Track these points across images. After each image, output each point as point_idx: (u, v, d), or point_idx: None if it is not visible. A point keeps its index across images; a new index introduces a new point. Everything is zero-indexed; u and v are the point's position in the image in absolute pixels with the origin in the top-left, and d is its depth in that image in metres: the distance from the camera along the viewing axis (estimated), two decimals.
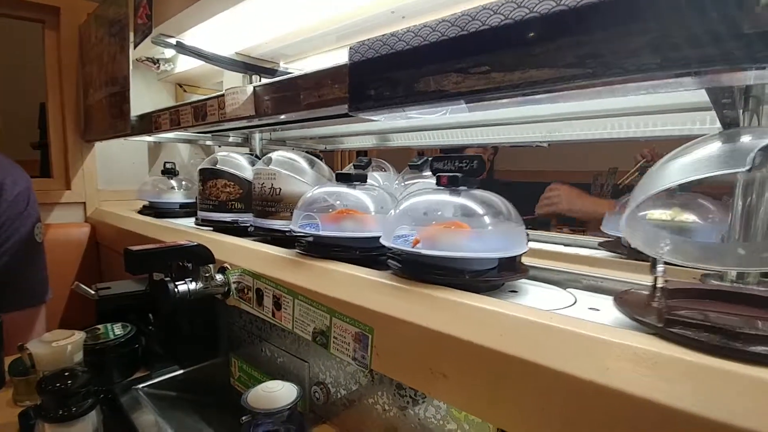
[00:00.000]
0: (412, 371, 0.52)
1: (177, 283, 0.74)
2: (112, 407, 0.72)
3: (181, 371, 0.83)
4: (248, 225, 0.94)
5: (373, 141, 1.56)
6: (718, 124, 0.91)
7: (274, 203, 0.85)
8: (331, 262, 0.67)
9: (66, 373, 0.56)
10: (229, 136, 1.41)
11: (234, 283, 0.80)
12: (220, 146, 1.77)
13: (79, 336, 0.62)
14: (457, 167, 0.60)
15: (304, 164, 0.88)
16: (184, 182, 1.44)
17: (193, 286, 0.76)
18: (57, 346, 0.59)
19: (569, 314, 0.44)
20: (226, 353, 0.88)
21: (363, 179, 0.75)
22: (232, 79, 1.45)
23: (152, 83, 1.74)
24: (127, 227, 1.26)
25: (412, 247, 0.54)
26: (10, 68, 1.46)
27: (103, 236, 1.48)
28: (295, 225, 0.72)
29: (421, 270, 0.55)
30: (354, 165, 1.02)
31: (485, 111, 1.06)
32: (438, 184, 0.59)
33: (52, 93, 1.53)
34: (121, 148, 1.66)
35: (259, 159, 0.97)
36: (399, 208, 0.61)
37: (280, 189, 0.84)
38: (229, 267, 0.81)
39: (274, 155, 0.88)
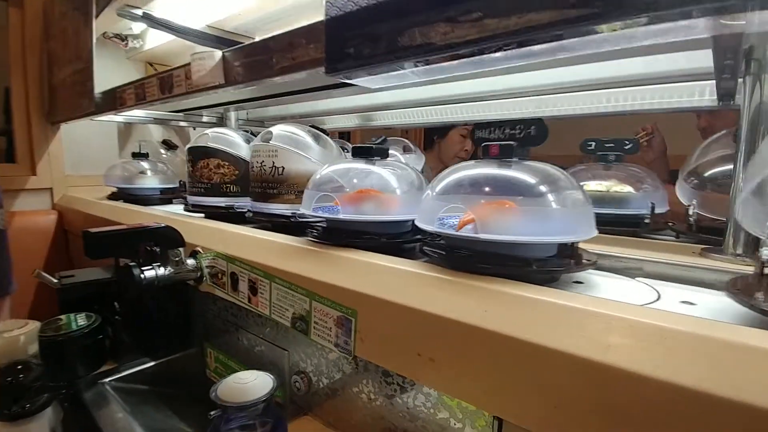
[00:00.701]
0: (399, 356, 0.48)
1: (144, 268, 0.68)
2: (75, 404, 0.66)
3: (151, 363, 0.77)
4: (245, 210, 0.84)
5: (355, 121, 1.50)
6: (714, 96, 0.89)
7: (276, 184, 0.74)
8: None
9: (19, 367, 0.50)
10: (202, 116, 1.34)
11: (207, 267, 0.74)
12: (194, 128, 1.69)
13: (33, 326, 0.56)
14: (508, 135, 0.53)
15: (308, 139, 0.77)
16: (159, 165, 1.33)
17: (161, 271, 0.70)
18: (9, 336, 0.53)
19: (668, 310, 0.36)
20: (200, 343, 0.82)
21: (384, 154, 0.64)
22: None
23: (121, 62, 1.64)
24: (99, 214, 1.18)
25: (457, 231, 0.45)
26: None
27: (71, 223, 1.40)
28: (307, 208, 0.61)
29: (471, 259, 0.45)
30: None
31: (474, 80, 1.01)
32: (486, 155, 0.49)
33: (15, 73, 1.43)
34: (88, 131, 1.56)
35: (255, 136, 0.88)
36: (440, 187, 0.50)
37: (283, 168, 0.73)
38: (200, 250, 0.75)
39: (275, 129, 0.76)
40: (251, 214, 0.80)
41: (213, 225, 0.80)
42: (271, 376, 0.46)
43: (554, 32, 0.37)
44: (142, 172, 1.28)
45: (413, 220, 0.54)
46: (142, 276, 0.67)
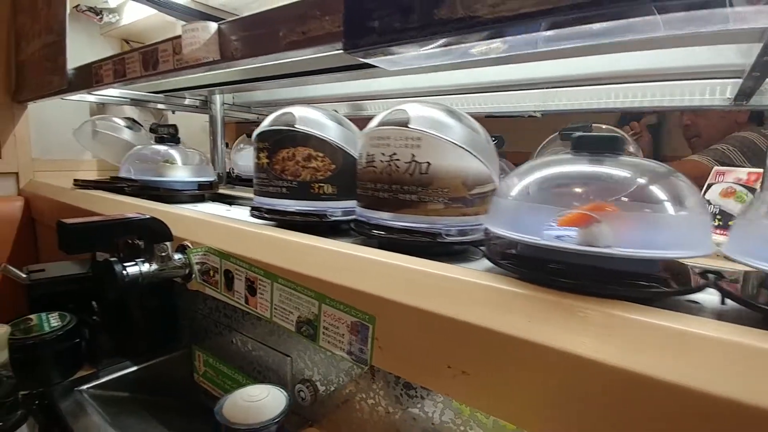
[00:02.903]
0: (425, 368, 0.43)
1: (126, 264, 0.61)
2: (48, 415, 0.59)
3: (133, 368, 0.70)
4: (345, 219, 0.64)
5: (345, 110, 1.43)
6: (727, 95, 0.86)
7: (415, 188, 0.51)
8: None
9: None
10: (185, 98, 1.25)
11: (197, 263, 0.67)
12: (174, 112, 1.59)
13: (2, 330, 0.49)
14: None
15: (452, 122, 0.52)
16: (190, 151, 1.06)
17: (145, 267, 0.63)
18: None
19: None
20: (187, 345, 0.76)
21: (618, 147, 0.41)
22: None
23: (95, 38, 1.53)
24: (72, 202, 1.09)
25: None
26: None
27: (39, 212, 1.29)
28: (537, 234, 0.38)
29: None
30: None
31: (470, 70, 0.96)
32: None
33: None
34: (58, 111, 1.45)
35: (335, 117, 0.66)
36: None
37: (428, 164, 0.50)
38: (189, 245, 0.68)
39: (410, 108, 0.52)
40: (366, 227, 0.57)
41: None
42: (283, 392, 0.41)
43: (626, 7, 0.32)
44: (169, 161, 0.99)
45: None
46: (124, 273, 0.60)
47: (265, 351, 0.63)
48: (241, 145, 1.35)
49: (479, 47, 0.43)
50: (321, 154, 0.62)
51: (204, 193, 1.02)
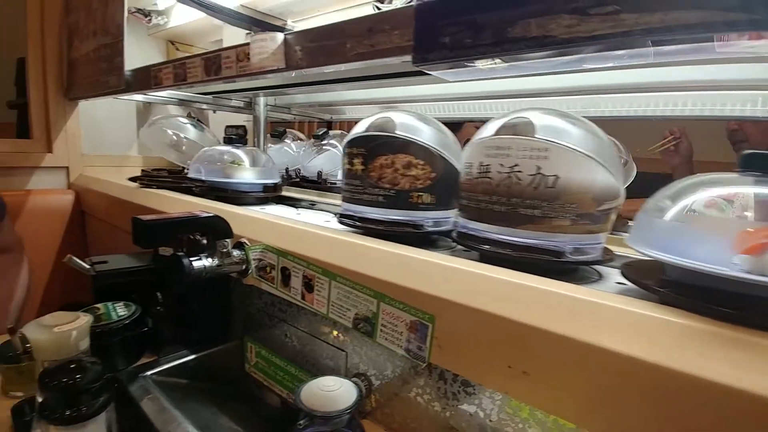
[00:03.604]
0: (484, 367, 0.45)
1: (192, 258, 0.65)
2: (119, 398, 0.63)
3: (191, 356, 0.74)
4: (441, 230, 0.62)
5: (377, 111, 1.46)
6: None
7: (541, 202, 0.47)
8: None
9: (72, 365, 0.47)
10: (231, 99, 1.30)
11: (254, 260, 0.71)
12: (215, 111, 1.64)
13: (85, 320, 0.53)
14: None
15: (576, 129, 0.49)
16: (254, 151, 1.08)
17: (208, 262, 0.67)
18: (60, 331, 0.50)
19: None
20: (240, 337, 0.79)
21: None
22: (233, 37, 1.33)
23: (142, 39, 1.59)
24: (122, 196, 1.14)
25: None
26: None
27: (89, 205, 1.36)
28: (713, 261, 0.35)
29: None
30: None
31: (525, 77, 0.98)
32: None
33: (32, 45, 1.37)
34: (107, 110, 1.52)
35: (434, 123, 0.63)
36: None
37: (556, 178, 0.46)
38: (247, 242, 0.72)
39: (533, 116, 0.49)
40: (474, 240, 0.54)
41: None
42: (354, 385, 0.44)
43: (702, 34, 0.34)
44: (235, 162, 0.99)
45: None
46: (191, 266, 0.64)
47: (319, 345, 0.66)
48: (269, 144, 1.39)
49: (546, 63, 0.45)
50: (421, 162, 0.59)
51: (269, 195, 1.03)
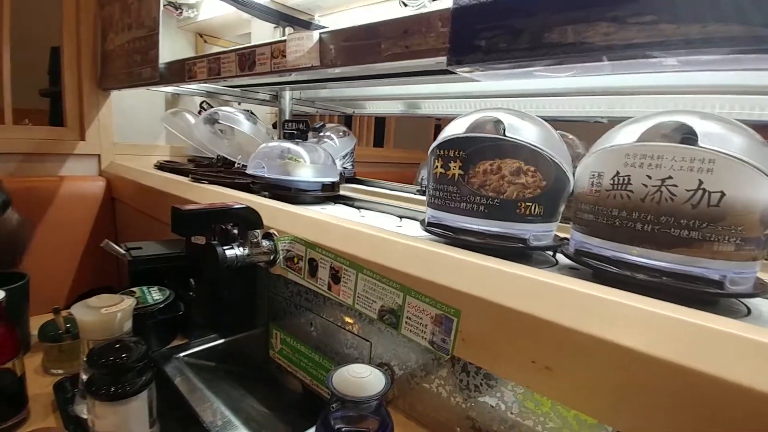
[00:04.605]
0: (508, 361, 0.47)
1: (225, 247, 0.68)
2: (158, 377, 0.67)
3: (220, 341, 0.77)
4: (548, 245, 0.57)
5: (399, 107, 1.48)
6: None
7: (701, 223, 0.41)
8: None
9: (117, 345, 0.50)
10: (258, 92, 1.32)
11: (283, 250, 0.73)
12: (239, 103, 1.67)
13: (129, 302, 0.56)
14: None
15: (739, 137, 0.42)
16: (311, 146, 1.00)
17: (240, 251, 0.69)
18: (106, 313, 0.53)
19: None
20: (265, 324, 0.82)
21: None
22: (260, 31, 1.35)
23: (171, 31, 1.63)
24: (152, 185, 1.18)
25: None
26: (18, 11, 1.34)
27: (120, 192, 1.40)
28: None
29: None
30: None
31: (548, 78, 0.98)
32: None
33: (68, 36, 1.41)
34: (137, 100, 1.56)
35: (543, 124, 0.56)
36: None
37: (722, 195, 0.40)
38: (276, 233, 0.74)
39: (692, 119, 0.43)
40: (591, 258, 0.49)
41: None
42: (383, 373, 0.46)
43: (736, 48, 0.35)
44: (294, 158, 0.93)
45: None
46: (225, 255, 0.67)
47: (344, 334, 0.68)
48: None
49: (579, 67, 0.46)
50: (532, 168, 0.52)
51: (328, 194, 0.99)
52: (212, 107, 1.39)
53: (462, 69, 0.50)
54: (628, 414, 0.38)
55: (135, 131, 1.60)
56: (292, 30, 1.28)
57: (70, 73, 1.44)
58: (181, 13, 1.50)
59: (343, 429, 0.44)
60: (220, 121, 1.10)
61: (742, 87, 0.82)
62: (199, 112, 1.58)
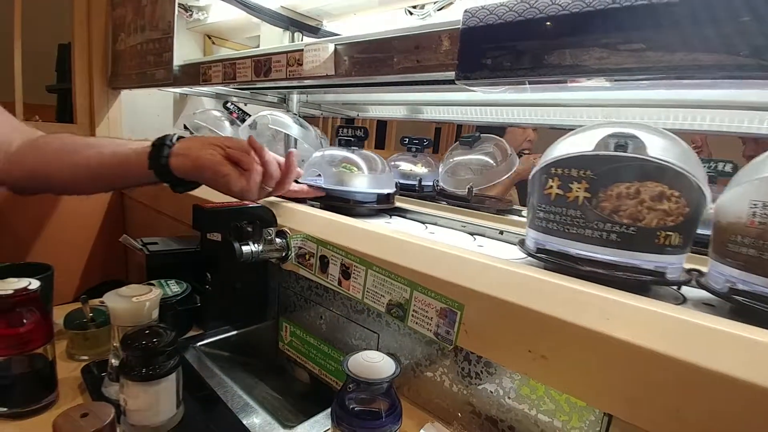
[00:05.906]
0: (507, 351, 0.52)
1: (241, 243, 0.72)
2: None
3: (233, 332, 0.82)
4: (681, 279, 0.49)
5: (402, 112, 1.52)
6: None
7: None
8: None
9: (147, 331, 0.54)
10: (267, 95, 1.37)
11: (295, 247, 0.78)
12: (246, 104, 1.71)
13: (156, 292, 0.60)
14: None
15: None
16: (367, 155, 0.92)
17: (255, 248, 0.74)
18: (137, 301, 0.57)
19: None
20: (275, 317, 0.87)
21: None
22: (270, 35, 1.39)
23: (180, 32, 1.65)
24: None
25: None
26: (25, 6, 1.37)
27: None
28: None
29: None
30: None
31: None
32: None
33: (79, 35, 1.45)
34: (147, 99, 1.60)
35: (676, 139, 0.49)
36: None
37: None
38: (288, 231, 0.79)
39: None
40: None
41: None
42: (394, 359, 0.50)
43: (718, 75, 0.40)
44: (347, 166, 0.86)
45: None
46: (241, 251, 0.71)
47: (353, 327, 0.73)
48: None
49: (575, 85, 0.51)
50: (677, 193, 0.46)
51: (384, 206, 0.90)
52: (238, 108, 1.43)
53: (468, 83, 0.55)
54: (614, 397, 0.43)
55: (145, 130, 1.64)
56: (301, 35, 1.32)
57: (80, 71, 1.48)
58: (191, 15, 1.54)
59: (357, 408, 0.49)
60: (270, 126, 1.06)
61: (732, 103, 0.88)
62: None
